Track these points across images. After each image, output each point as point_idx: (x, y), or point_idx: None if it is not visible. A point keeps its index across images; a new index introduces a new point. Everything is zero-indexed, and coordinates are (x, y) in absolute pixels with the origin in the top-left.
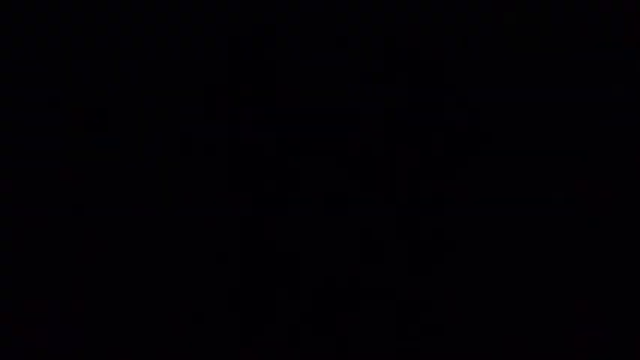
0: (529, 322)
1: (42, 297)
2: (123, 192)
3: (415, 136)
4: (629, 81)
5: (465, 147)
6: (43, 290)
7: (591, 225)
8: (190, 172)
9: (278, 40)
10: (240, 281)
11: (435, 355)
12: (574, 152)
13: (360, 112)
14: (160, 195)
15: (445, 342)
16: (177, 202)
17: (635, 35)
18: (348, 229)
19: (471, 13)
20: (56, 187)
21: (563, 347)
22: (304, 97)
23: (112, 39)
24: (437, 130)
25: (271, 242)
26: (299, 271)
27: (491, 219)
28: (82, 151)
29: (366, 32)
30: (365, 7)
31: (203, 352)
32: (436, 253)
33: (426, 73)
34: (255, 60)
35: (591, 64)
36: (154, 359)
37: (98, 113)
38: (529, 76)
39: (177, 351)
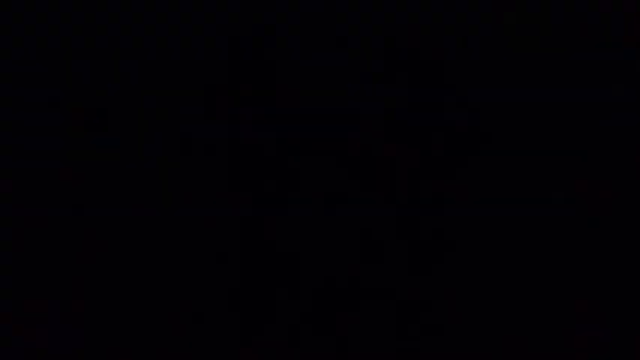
0: (529, 322)
1: (42, 297)
2: (123, 192)
3: (415, 136)
4: (629, 81)
5: (464, 147)
6: (43, 290)
7: (591, 225)
8: (190, 172)
9: (278, 40)
10: (240, 281)
11: (435, 355)
12: (574, 152)
13: (360, 112)
14: (160, 195)
15: (445, 342)
16: (177, 202)
17: (635, 35)
18: (348, 229)
19: (471, 13)
20: (56, 187)
21: (563, 347)
22: (304, 97)
23: (112, 39)
24: (437, 130)
25: (271, 242)
26: (299, 271)
27: (491, 219)
28: (82, 151)
29: (366, 32)
30: (365, 7)
31: (203, 352)
32: (436, 253)
33: (426, 73)
34: (255, 60)
35: (591, 64)
36: (154, 359)
37: (98, 113)
38: (529, 76)
39: (178, 351)
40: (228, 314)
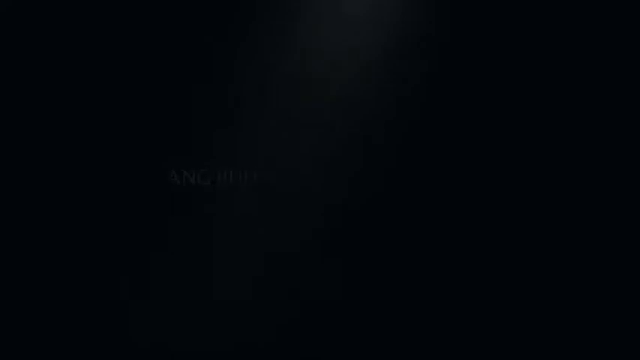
0: (529, 322)
1: (42, 297)
2: (123, 192)
3: (415, 135)
4: (629, 81)
5: (464, 147)
6: (43, 290)
7: (591, 225)
8: (191, 172)
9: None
10: (240, 281)
11: (435, 355)
12: (574, 152)
13: (359, 111)
14: (160, 195)
15: (445, 342)
16: (177, 202)
17: (635, 35)
18: (348, 228)
19: (471, 13)
20: (56, 187)
21: (564, 347)
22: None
23: (112, 39)
24: (438, 129)
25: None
26: (297, 271)
27: (490, 219)
28: (82, 151)
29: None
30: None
31: (203, 352)
32: (436, 253)
33: (426, 73)
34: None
35: (591, 64)
36: (154, 359)
37: (98, 113)
38: (529, 76)
39: (177, 351)
40: (228, 314)
